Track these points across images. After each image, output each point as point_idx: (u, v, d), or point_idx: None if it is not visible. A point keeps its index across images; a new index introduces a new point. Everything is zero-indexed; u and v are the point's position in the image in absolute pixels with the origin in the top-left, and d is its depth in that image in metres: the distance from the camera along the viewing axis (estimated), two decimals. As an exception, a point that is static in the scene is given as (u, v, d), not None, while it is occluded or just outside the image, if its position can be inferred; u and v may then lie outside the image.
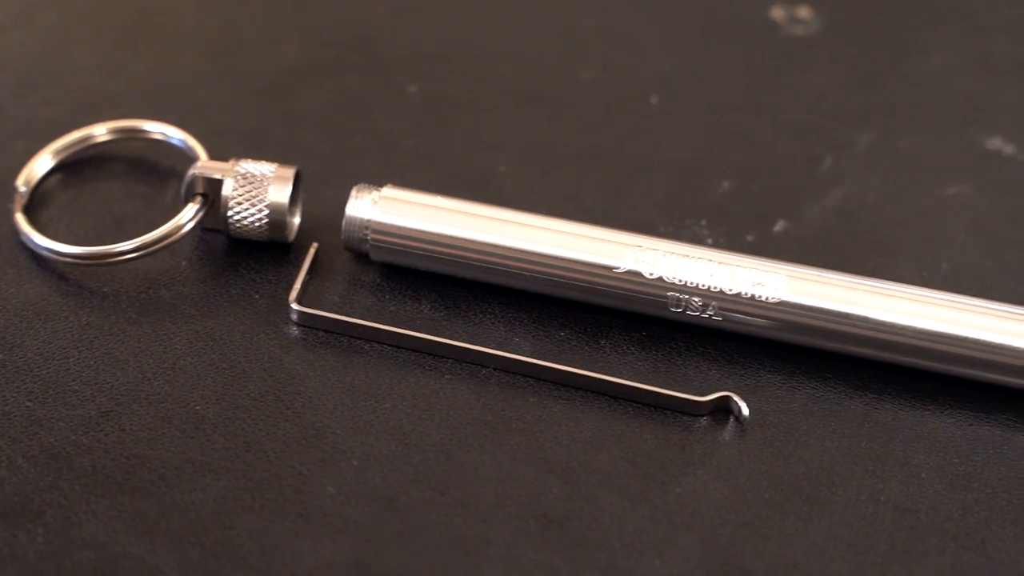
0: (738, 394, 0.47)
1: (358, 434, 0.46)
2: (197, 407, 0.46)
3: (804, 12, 0.64)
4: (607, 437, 0.47)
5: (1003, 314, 0.48)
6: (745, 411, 0.47)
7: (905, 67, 0.62)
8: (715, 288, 0.49)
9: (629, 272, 0.49)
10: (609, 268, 0.49)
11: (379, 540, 0.43)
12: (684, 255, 0.49)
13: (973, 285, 0.52)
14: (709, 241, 0.54)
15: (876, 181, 0.57)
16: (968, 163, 0.58)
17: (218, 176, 0.51)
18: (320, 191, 0.54)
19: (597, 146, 0.58)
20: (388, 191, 0.51)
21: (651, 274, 0.49)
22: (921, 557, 0.43)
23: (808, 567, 0.43)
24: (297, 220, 0.53)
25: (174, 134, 0.54)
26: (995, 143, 0.58)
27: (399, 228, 0.51)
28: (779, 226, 0.55)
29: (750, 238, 0.54)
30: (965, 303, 0.48)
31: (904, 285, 0.49)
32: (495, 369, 0.49)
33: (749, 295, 0.49)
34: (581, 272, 0.50)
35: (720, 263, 0.49)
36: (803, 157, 0.58)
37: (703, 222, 0.54)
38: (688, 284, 0.49)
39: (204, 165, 0.51)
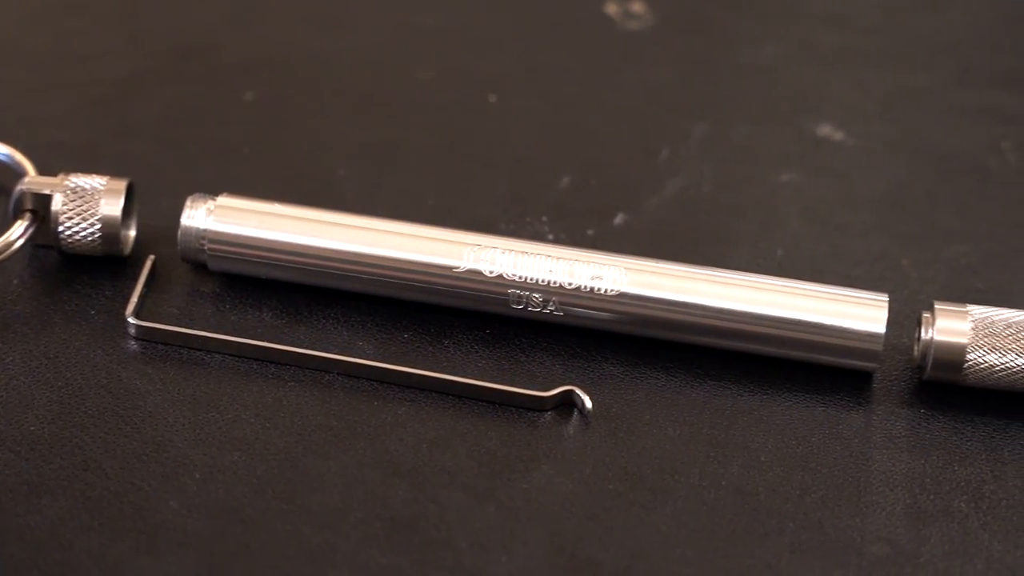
0: (581, 388, 0.48)
1: (200, 446, 0.46)
2: (32, 427, 0.46)
3: (638, 7, 0.65)
4: (452, 437, 0.47)
5: (836, 297, 0.49)
6: (588, 404, 0.48)
7: (737, 58, 0.64)
8: (555, 283, 0.49)
9: (469, 271, 0.50)
10: (449, 268, 0.50)
11: (223, 553, 0.43)
12: (523, 252, 0.50)
13: (807, 270, 0.53)
14: (550, 237, 0.54)
15: (712, 171, 0.58)
16: (800, 150, 0.59)
17: (47, 191, 0.50)
18: (156, 203, 0.53)
19: (437, 147, 0.58)
20: (224, 200, 0.51)
21: (491, 272, 0.49)
22: (761, 538, 0.44)
23: (652, 555, 0.44)
24: (132, 233, 0.52)
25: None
26: (825, 130, 0.59)
27: (236, 237, 0.50)
28: (619, 219, 0.55)
29: (590, 232, 0.55)
30: (800, 288, 0.49)
31: (741, 273, 0.50)
32: (339, 374, 0.48)
33: (588, 289, 0.49)
34: (421, 273, 0.50)
35: (559, 258, 0.49)
36: (641, 150, 0.59)
37: (544, 218, 0.55)
38: (528, 280, 0.49)
39: (32, 180, 0.51)
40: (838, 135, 0.59)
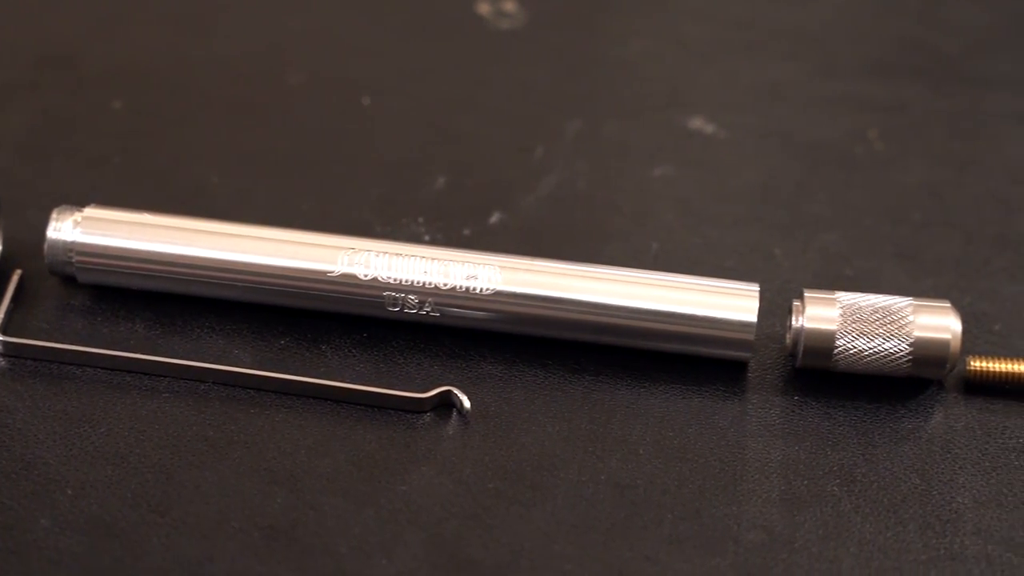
0: (460, 388, 0.48)
1: (72, 462, 0.45)
2: None
3: (509, 6, 0.65)
4: (331, 442, 0.47)
5: (708, 288, 0.49)
6: (467, 404, 0.48)
7: (608, 55, 0.64)
8: (430, 284, 0.49)
9: (343, 275, 0.49)
10: (323, 273, 0.49)
11: (98, 569, 0.42)
12: (397, 254, 0.50)
13: (682, 262, 0.53)
14: (427, 238, 0.54)
15: (586, 167, 0.58)
16: (672, 144, 0.59)
17: (-93, 208, 0.49)
18: (23, 216, 0.52)
19: (310, 151, 0.58)
20: (91, 211, 0.50)
21: (366, 275, 0.49)
22: (641, 531, 0.45)
23: (532, 551, 0.44)
24: (-2, 248, 0.51)
25: None
26: (696, 123, 0.60)
27: (105, 248, 0.49)
28: (495, 218, 0.55)
29: (467, 232, 0.55)
30: (673, 281, 0.50)
31: (615, 268, 0.50)
32: (215, 383, 0.48)
33: (464, 288, 0.49)
34: (295, 279, 0.49)
35: (433, 259, 0.49)
36: (515, 149, 0.59)
37: (420, 219, 0.55)
38: (403, 282, 0.49)
39: None
40: (709, 128, 0.60)
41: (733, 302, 0.49)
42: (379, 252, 0.50)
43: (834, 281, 0.53)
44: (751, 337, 0.49)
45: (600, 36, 0.65)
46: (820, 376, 0.49)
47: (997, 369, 0.48)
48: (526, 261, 0.50)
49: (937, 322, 0.48)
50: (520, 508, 0.45)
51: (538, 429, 0.48)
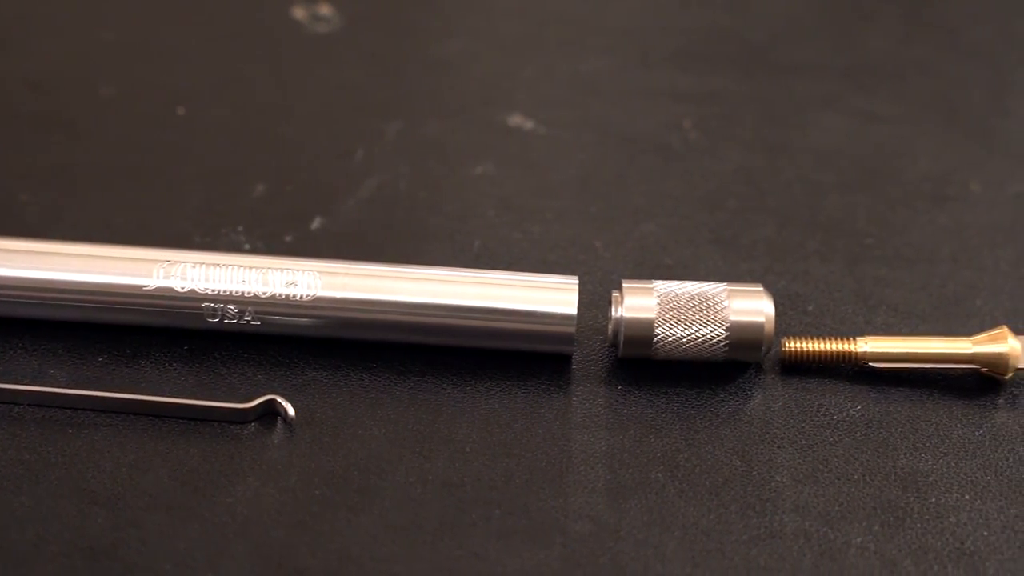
0: (284, 396, 0.48)
1: None
2: None
3: (325, 9, 0.65)
4: (153, 458, 0.46)
5: (529, 284, 0.50)
6: (291, 412, 0.47)
7: (426, 55, 0.64)
8: (248, 293, 0.49)
9: (160, 288, 0.49)
10: (138, 287, 0.49)
11: (-91, 603, 0.41)
12: (214, 264, 0.49)
13: (505, 258, 0.54)
14: (247, 247, 0.54)
15: (407, 168, 0.58)
16: (492, 142, 0.60)
17: None
18: None
19: (124, 164, 0.57)
20: None
21: (183, 288, 0.49)
22: (469, 528, 0.45)
23: (361, 556, 0.44)
24: None
25: None
26: (516, 120, 0.60)
27: (-92, 272, 0.48)
28: (316, 223, 0.55)
29: (288, 239, 0.54)
30: (493, 278, 0.50)
31: (436, 268, 0.50)
32: (30, 405, 0.47)
33: (283, 296, 0.49)
34: (110, 295, 0.49)
35: (252, 267, 0.49)
36: (335, 152, 0.59)
37: (240, 228, 0.54)
38: (221, 293, 0.49)
39: None
40: (528, 124, 0.60)
41: (553, 296, 0.49)
42: (195, 263, 0.49)
43: (654, 270, 0.54)
44: (572, 330, 0.49)
45: (417, 37, 0.65)
46: (642, 365, 0.50)
47: (810, 349, 0.50)
48: (347, 265, 0.50)
49: (751, 306, 0.49)
50: (348, 513, 0.45)
51: (364, 433, 0.48)
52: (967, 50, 0.64)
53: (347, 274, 0.50)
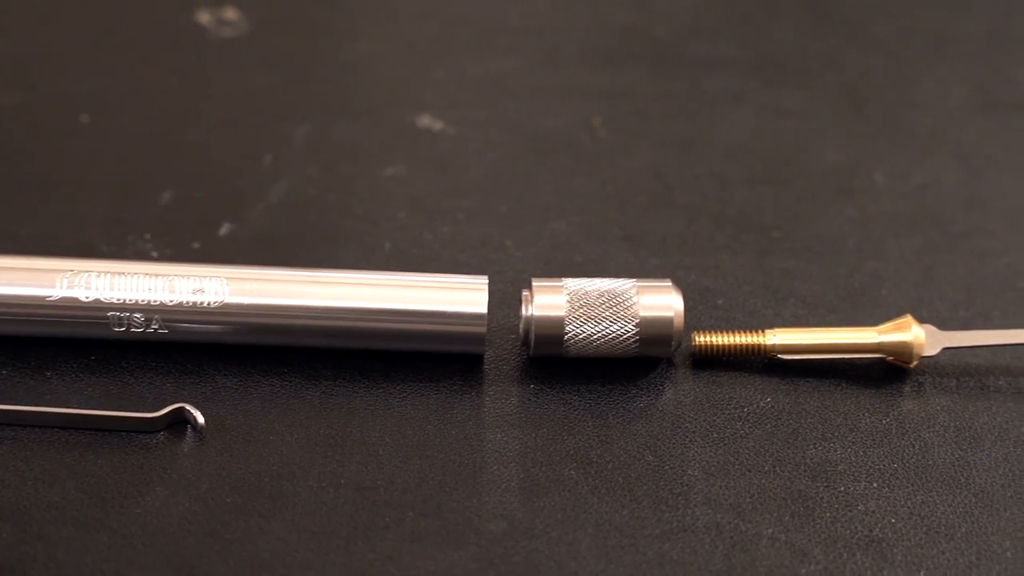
0: (194, 403, 0.47)
1: None
2: None
3: (230, 14, 0.65)
4: (60, 470, 0.45)
5: (439, 284, 0.50)
6: (200, 420, 0.47)
7: (334, 57, 0.64)
8: (155, 301, 0.48)
9: (63, 299, 0.48)
10: (42, 298, 0.48)
11: None
12: (120, 272, 0.48)
13: (416, 260, 0.54)
14: (155, 254, 0.53)
15: (316, 172, 0.58)
16: (402, 143, 0.60)
17: None
18: None
19: (28, 173, 0.56)
20: None
21: (87, 297, 0.48)
22: (382, 531, 0.45)
23: (273, 563, 0.43)
24: None
25: None
26: (425, 121, 0.60)
27: None
28: (224, 229, 0.55)
29: (196, 245, 0.54)
30: (403, 280, 0.50)
31: (345, 271, 0.50)
32: (-69, 421, 0.46)
33: (191, 303, 0.48)
34: (12, 306, 0.48)
35: (158, 275, 0.49)
36: (243, 157, 0.58)
37: (147, 236, 0.54)
38: (127, 302, 0.48)
39: None
40: (438, 125, 0.60)
41: (463, 296, 0.49)
42: (100, 272, 0.48)
43: (565, 268, 0.54)
44: (483, 330, 0.49)
45: (325, 39, 0.65)
46: (554, 363, 0.50)
47: (720, 343, 0.50)
48: (255, 271, 0.50)
49: (660, 302, 0.49)
50: (259, 520, 0.45)
51: (276, 439, 0.47)
52: (871, 43, 0.65)
53: (255, 279, 0.49)
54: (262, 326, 0.49)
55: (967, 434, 0.48)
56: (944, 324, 0.50)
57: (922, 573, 0.44)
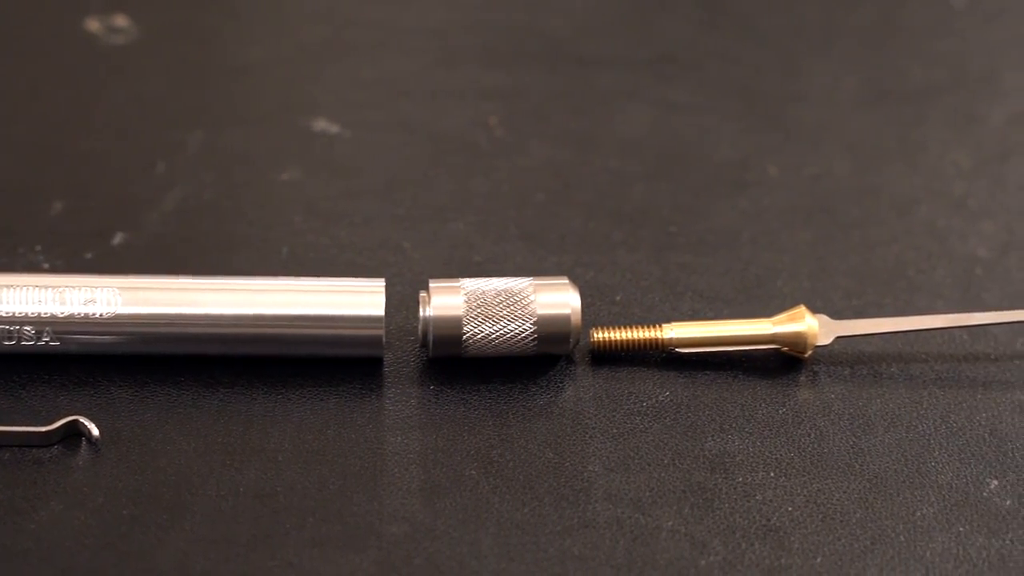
0: (89, 416, 0.47)
1: None
2: None
3: (121, 21, 0.64)
4: (-49, 488, 0.45)
5: (335, 288, 0.49)
6: (95, 432, 0.46)
7: (227, 62, 0.64)
8: (46, 314, 0.48)
9: (-50, 314, 0.47)
10: (-73, 314, 0.47)
11: None
12: (7, 285, 0.48)
13: (314, 265, 0.54)
14: (46, 266, 0.52)
15: (211, 178, 0.57)
16: (298, 147, 0.59)
17: None
18: None
19: (-88, 187, 0.56)
20: None
21: (-24, 311, 0.47)
22: (282, 538, 0.44)
23: (171, 573, 0.43)
24: None
25: None
26: (320, 124, 0.60)
27: None
28: (118, 239, 0.54)
29: (89, 256, 0.53)
30: (299, 285, 0.50)
31: (241, 277, 0.50)
32: None
33: (82, 315, 0.48)
34: (-103, 322, 0.47)
35: (47, 287, 0.48)
36: (136, 166, 0.57)
37: (37, 247, 0.53)
38: (16, 315, 0.47)
39: None
40: (333, 128, 0.60)
41: (360, 299, 0.49)
42: (-12, 285, 0.48)
43: (464, 268, 0.54)
44: (380, 332, 0.49)
45: (217, 45, 0.65)
46: (454, 364, 0.50)
47: (618, 338, 0.50)
48: (148, 280, 0.49)
49: (557, 299, 0.49)
50: (157, 531, 0.44)
51: (173, 448, 0.47)
52: (761, 38, 0.66)
53: (148, 288, 0.49)
54: (156, 335, 0.48)
55: (861, 421, 0.48)
56: (837, 313, 0.51)
57: (819, 559, 0.44)
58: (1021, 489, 0.46)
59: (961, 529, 0.45)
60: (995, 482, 0.46)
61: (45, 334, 0.48)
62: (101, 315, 0.48)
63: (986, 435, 0.48)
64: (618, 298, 0.53)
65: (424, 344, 0.50)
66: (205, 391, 0.49)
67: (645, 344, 0.50)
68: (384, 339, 0.49)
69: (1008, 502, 0.46)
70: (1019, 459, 0.47)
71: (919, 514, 0.45)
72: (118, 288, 0.48)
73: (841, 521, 0.45)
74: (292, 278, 0.50)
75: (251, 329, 0.49)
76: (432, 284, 0.50)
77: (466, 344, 0.49)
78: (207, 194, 0.57)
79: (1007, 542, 0.45)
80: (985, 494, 0.46)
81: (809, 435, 0.48)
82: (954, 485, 0.46)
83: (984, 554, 0.44)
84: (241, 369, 0.49)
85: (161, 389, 0.48)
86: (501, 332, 0.49)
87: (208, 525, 0.45)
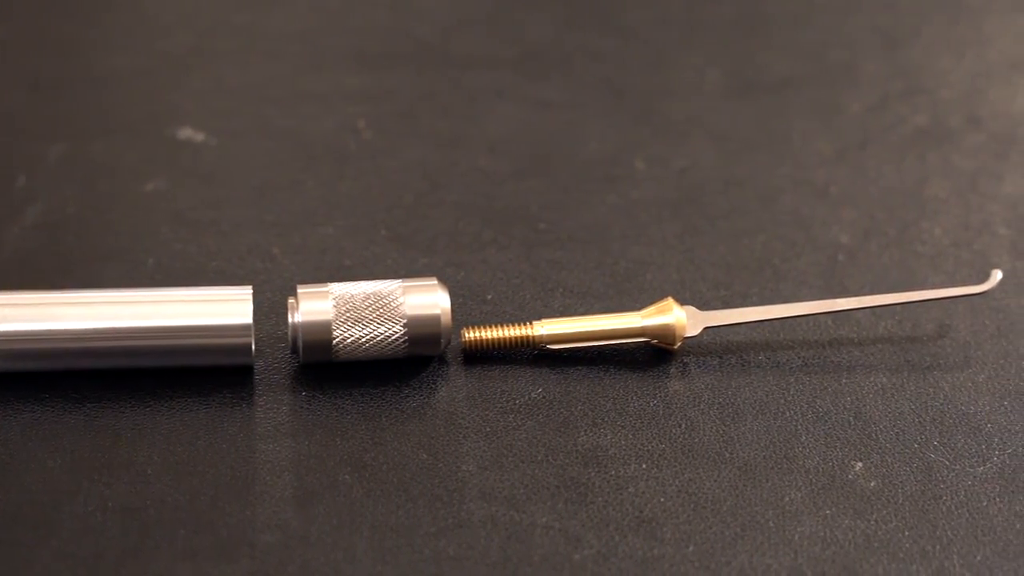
0: (-51, 437, 0.46)
1: None
2: None
3: (-22, 31, 0.63)
4: None
5: (202, 298, 0.49)
6: (-44, 453, 0.46)
7: (88, 73, 0.63)
8: (-99, 334, 0.47)
9: None
10: None
11: None
12: None
13: (181, 274, 0.53)
14: (-98, 286, 0.51)
15: (74, 191, 0.56)
16: (163, 157, 0.58)
17: None
18: None
19: None
20: None
21: None
22: (153, 552, 0.44)
23: (33, 594, 0.43)
24: None
25: None
26: (186, 133, 0.59)
27: None
28: (-21, 254, 0.53)
29: (-48, 273, 0.52)
30: (166, 295, 0.49)
31: (107, 290, 0.49)
32: None
33: (-59, 333, 0.47)
34: None
35: (-97, 307, 0.47)
36: (-5, 180, 0.57)
37: None
38: None
39: None
40: (200, 136, 0.59)
41: (227, 308, 0.49)
42: None
43: (334, 273, 0.53)
44: (249, 341, 0.48)
45: (77, 54, 0.64)
46: (326, 369, 0.49)
47: (489, 337, 0.50)
48: (9, 296, 0.48)
49: (426, 300, 0.49)
50: (23, 550, 0.43)
51: (38, 466, 0.46)
52: (626, 33, 0.66)
53: (10, 305, 0.48)
54: (18, 352, 0.47)
55: (730, 410, 0.49)
56: (706, 304, 0.51)
57: (691, 548, 0.45)
58: (885, 470, 0.47)
59: (828, 512, 0.46)
60: (860, 464, 0.47)
61: (-100, 356, 0.47)
62: (-39, 333, 0.47)
63: (851, 418, 0.49)
64: (489, 297, 0.53)
65: (295, 350, 0.49)
66: (72, 406, 0.48)
67: (516, 342, 0.50)
68: (253, 347, 0.49)
69: (872, 483, 0.46)
70: (883, 441, 0.48)
71: (787, 499, 0.46)
72: (-23, 305, 0.47)
73: (712, 509, 0.46)
74: (158, 289, 0.49)
75: (118, 343, 0.48)
76: (300, 289, 0.49)
77: (337, 348, 0.49)
78: (70, 207, 0.56)
79: (872, 523, 0.45)
80: (851, 476, 0.47)
81: (680, 426, 0.48)
82: (821, 469, 0.47)
83: (850, 535, 0.45)
84: (109, 382, 0.48)
85: (24, 406, 0.48)
86: (371, 335, 0.49)
87: (76, 542, 0.44)
